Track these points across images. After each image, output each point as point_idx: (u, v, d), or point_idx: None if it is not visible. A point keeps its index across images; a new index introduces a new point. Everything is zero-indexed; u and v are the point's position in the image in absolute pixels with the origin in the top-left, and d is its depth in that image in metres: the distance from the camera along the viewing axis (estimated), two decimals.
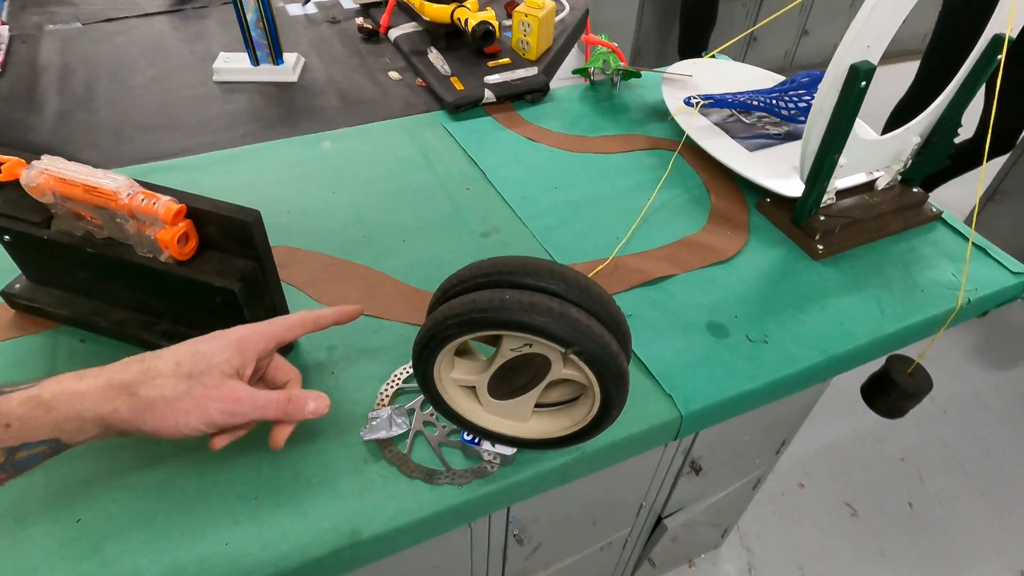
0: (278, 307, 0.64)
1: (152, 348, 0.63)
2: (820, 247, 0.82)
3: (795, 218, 0.84)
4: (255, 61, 1.12)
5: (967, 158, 1.98)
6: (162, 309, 0.63)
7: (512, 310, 0.44)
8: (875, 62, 0.69)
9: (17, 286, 0.67)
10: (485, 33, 1.07)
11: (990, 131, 1.86)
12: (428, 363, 0.49)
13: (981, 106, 1.61)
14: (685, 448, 0.84)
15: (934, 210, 0.90)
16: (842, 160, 0.78)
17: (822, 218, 0.83)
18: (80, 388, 0.41)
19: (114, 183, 0.54)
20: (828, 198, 0.84)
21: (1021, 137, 1.94)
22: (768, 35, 2.98)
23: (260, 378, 0.53)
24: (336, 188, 0.89)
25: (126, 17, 1.30)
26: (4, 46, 1.15)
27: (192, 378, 0.44)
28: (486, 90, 1.06)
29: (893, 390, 0.86)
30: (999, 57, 0.76)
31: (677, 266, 0.79)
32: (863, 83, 0.68)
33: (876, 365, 0.84)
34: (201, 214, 0.57)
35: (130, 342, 0.66)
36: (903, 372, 0.86)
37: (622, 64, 1.10)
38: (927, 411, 1.70)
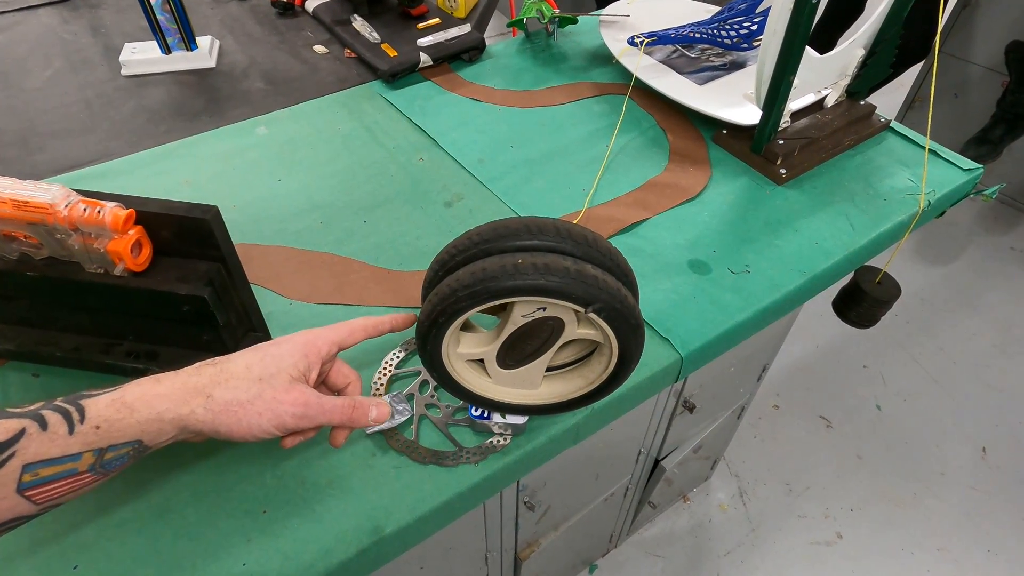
0: (249, 307, 0.59)
1: (116, 372, 0.59)
2: (783, 171, 0.82)
3: (754, 145, 0.84)
4: (166, 49, 1.03)
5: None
6: (123, 328, 0.58)
7: (527, 274, 0.41)
8: None
9: None
10: None
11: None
12: (436, 341, 0.47)
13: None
14: (678, 389, 0.84)
15: (882, 120, 0.91)
16: (796, 81, 0.78)
17: (780, 142, 0.83)
18: (159, 391, 0.42)
19: (48, 194, 0.49)
20: (784, 122, 0.84)
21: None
22: None
23: (322, 382, 0.53)
24: (280, 175, 0.83)
25: (5, 11, 1.17)
26: None
27: (263, 381, 0.45)
28: (421, 54, 1.01)
29: (864, 300, 0.89)
30: None
31: (648, 210, 0.78)
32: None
33: (843, 280, 0.86)
34: (152, 218, 0.52)
35: (89, 368, 0.60)
36: (871, 282, 0.88)
37: (556, 11, 1.07)
38: None
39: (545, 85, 0.99)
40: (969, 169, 0.85)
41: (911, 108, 2.22)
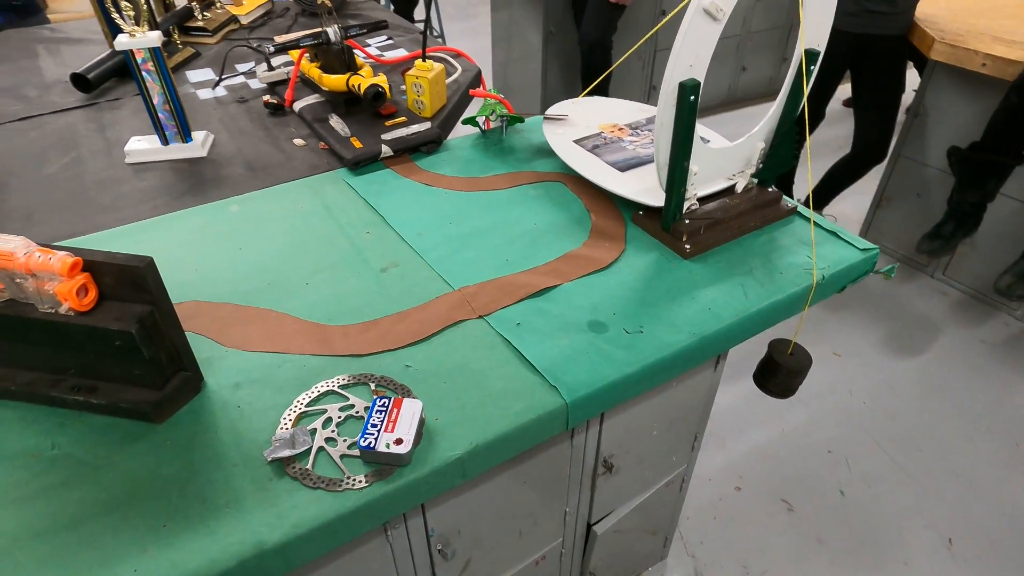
0: (180, 348, 0.68)
1: (60, 405, 0.67)
2: (687, 247, 0.90)
3: (663, 224, 0.93)
4: (164, 141, 1.18)
5: (849, 171, 2.16)
6: (68, 363, 0.66)
7: None
8: (700, 78, 0.79)
9: None
10: (375, 94, 1.16)
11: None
12: None
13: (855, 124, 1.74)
14: (593, 446, 0.89)
15: (789, 205, 1.00)
16: (695, 168, 0.88)
17: (687, 221, 0.92)
18: None
19: (11, 244, 0.59)
20: (691, 204, 0.93)
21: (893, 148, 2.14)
22: None
23: None
24: (242, 245, 0.94)
25: (41, 115, 1.36)
26: None
27: None
28: (383, 145, 1.14)
29: (778, 371, 0.94)
30: (812, 68, 0.89)
31: (560, 277, 0.87)
32: (691, 97, 0.79)
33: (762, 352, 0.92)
34: (97, 266, 0.61)
35: (39, 402, 0.68)
36: (784, 354, 0.94)
37: (507, 111, 1.20)
38: (847, 403, 1.80)
39: (491, 173, 1.11)
40: (865, 249, 0.93)
41: (879, 207, 2.33)
